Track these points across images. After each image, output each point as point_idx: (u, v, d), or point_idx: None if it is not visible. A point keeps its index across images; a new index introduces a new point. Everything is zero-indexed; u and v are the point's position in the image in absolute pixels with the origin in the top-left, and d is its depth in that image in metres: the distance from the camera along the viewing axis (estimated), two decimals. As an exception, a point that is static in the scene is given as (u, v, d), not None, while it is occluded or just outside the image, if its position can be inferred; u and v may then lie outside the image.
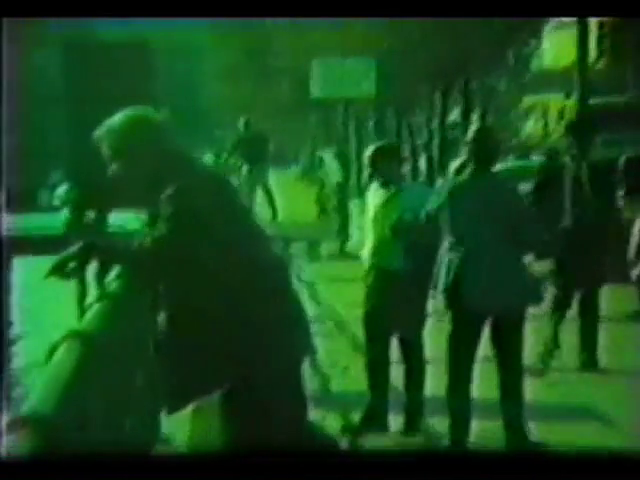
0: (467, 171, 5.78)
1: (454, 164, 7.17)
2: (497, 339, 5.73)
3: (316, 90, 17.11)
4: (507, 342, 5.69)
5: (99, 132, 3.87)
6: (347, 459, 4.21)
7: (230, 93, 33.07)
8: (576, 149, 7.70)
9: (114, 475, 2.61)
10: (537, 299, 5.76)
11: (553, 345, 7.66)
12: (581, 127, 7.87)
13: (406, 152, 24.65)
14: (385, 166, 6.17)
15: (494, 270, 5.59)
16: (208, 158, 18.21)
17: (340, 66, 16.76)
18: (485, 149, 5.69)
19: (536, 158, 20.33)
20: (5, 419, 2.48)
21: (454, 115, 24.37)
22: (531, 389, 5.97)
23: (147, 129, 3.86)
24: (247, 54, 31.05)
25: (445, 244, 5.70)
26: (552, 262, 7.74)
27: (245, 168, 18.10)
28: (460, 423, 5.68)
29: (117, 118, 3.87)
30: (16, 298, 16.24)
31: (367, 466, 3.31)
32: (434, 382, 6.16)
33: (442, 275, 5.67)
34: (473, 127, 5.94)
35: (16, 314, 16.10)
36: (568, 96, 23.37)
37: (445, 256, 5.68)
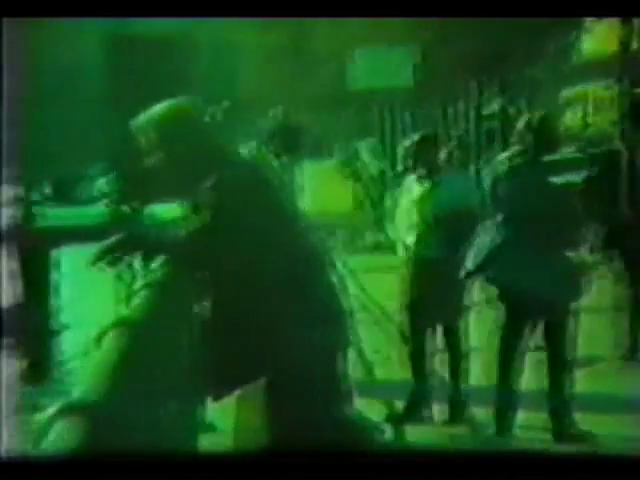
0: (521, 158, 5.73)
1: (505, 154, 7.11)
2: (544, 330, 5.71)
3: (355, 81, 17.09)
4: (552, 333, 5.67)
5: (138, 122, 3.87)
6: (389, 452, 4.19)
7: (269, 84, 33.14)
8: (633, 136, 7.57)
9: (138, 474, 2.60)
10: (575, 294, 5.72)
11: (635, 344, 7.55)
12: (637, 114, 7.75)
13: (444, 142, 24.58)
14: (424, 157, 6.17)
15: (527, 259, 5.56)
16: (247, 149, 18.30)
17: (379, 57, 16.73)
18: (544, 137, 5.66)
19: (568, 151, 20.12)
20: (52, 409, 2.48)
21: (493, 106, 24.24)
22: (577, 380, 5.93)
23: (186, 120, 3.86)
24: (286, 45, 31.08)
25: (480, 228, 5.70)
26: (602, 254, 7.66)
27: (279, 158, 18.15)
28: (505, 413, 5.65)
29: (157, 109, 3.87)
30: (58, 289, 16.38)
31: (407, 460, 3.29)
32: (479, 371, 6.14)
33: (471, 256, 5.67)
34: (536, 115, 5.89)
35: (58, 305, 16.25)
36: (609, 87, 23.14)
37: (479, 239, 5.68)
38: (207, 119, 3.97)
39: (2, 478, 2.07)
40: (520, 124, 5.77)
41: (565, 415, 5.67)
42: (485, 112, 23.18)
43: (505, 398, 5.66)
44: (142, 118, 3.87)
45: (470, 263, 5.70)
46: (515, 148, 5.82)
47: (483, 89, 22.28)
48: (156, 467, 2.66)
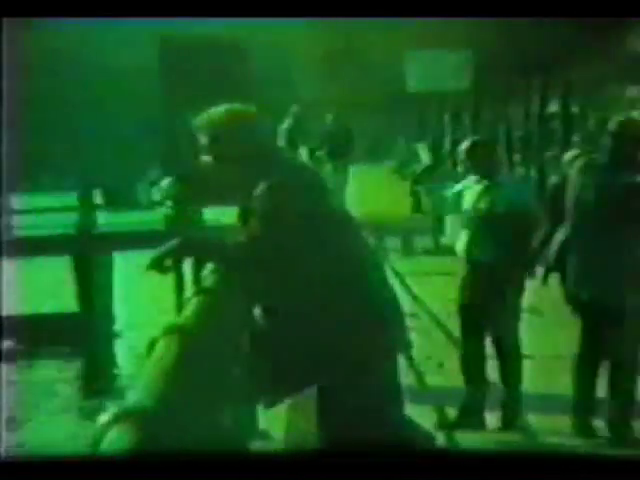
0: (595, 159, 5.70)
1: (571, 155, 7.04)
2: (608, 335, 5.65)
3: (411, 84, 17.03)
4: (621, 339, 5.60)
5: (199, 121, 3.91)
6: (443, 456, 4.17)
7: (324, 88, 33.18)
8: None
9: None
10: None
11: None
12: None
13: (502, 145, 24.37)
14: (480, 160, 6.16)
15: (602, 261, 5.52)
16: (302, 154, 18.40)
17: (435, 59, 16.65)
18: (627, 141, 5.63)
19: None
20: (106, 414, 2.52)
21: (553, 107, 23.97)
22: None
23: (245, 123, 3.89)
24: (342, 48, 31.09)
25: (560, 231, 5.69)
26: None
27: (330, 163, 18.24)
28: (589, 421, 5.59)
29: (218, 109, 3.92)
30: (117, 293, 16.57)
31: (461, 464, 3.27)
32: (533, 378, 6.09)
33: (548, 256, 5.68)
34: (615, 118, 5.87)
35: (117, 309, 16.44)
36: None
37: (557, 241, 5.68)
38: (264, 124, 4.00)
39: (2, 478, 2.11)
40: (611, 126, 5.73)
41: (625, 422, 5.61)
42: (546, 113, 22.93)
43: (587, 406, 5.61)
44: (203, 116, 3.91)
45: (545, 264, 5.73)
46: (577, 150, 5.76)
47: (544, 89, 22.05)
48: (209, 470, 2.68)
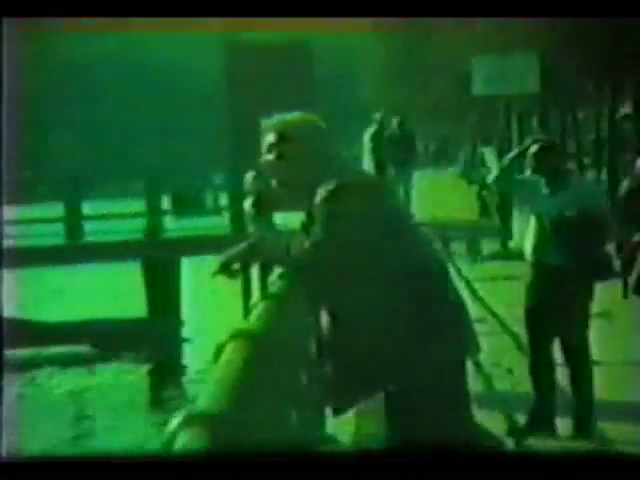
0: None
1: None
2: None
3: (478, 87, 16.92)
4: None
5: (268, 122, 3.92)
6: (512, 458, 4.12)
7: (390, 91, 33.10)
8: None
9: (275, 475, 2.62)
10: None
11: None
12: None
13: (572, 148, 24.11)
14: (549, 163, 6.09)
15: None
16: (366, 159, 18.41)
17: (502, 63, 16.51)
18: None
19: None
20: (176, 418, 2.53)
21: (626, 108, 23.60)
22: None
23: (311, 126, 3.91)
24: (406, 52, 31.01)
25: (636, 235, 5.60)
26: None
27: (393, 167, 18.19)
28: None
29: (288, 115, 3.94)
30: (185, 298, 16.75)
31: (533, 466, 3.23)
32: (605, 384, 5.99)
33: (622, 261, 5.59)
34: None
35: (185, 314, 16.61)
36: None
37: (631, 245, 5.59)
38: (328, 128, 4.01)
39: (2, 478, 2.11)
40: None
41: None
42: (618, 115, 22.58)
43: None
44: (272, 118, 3.93)
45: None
46: None
47: (615, 90, 21.71)
48: (277, 471, 2.68)
